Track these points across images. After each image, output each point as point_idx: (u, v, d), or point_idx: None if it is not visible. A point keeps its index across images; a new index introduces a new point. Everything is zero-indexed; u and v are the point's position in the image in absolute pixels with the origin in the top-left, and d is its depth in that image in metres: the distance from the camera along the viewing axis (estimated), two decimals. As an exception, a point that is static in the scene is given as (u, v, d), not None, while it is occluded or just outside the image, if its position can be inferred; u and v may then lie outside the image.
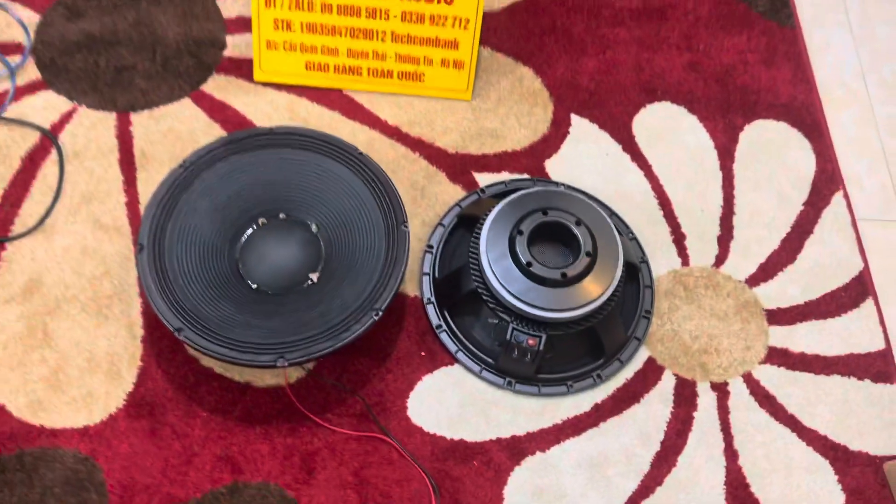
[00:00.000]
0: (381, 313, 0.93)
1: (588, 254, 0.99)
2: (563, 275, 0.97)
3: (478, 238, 1.01)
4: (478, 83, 1.25)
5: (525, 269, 0.98)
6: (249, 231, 1.02)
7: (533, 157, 1.20)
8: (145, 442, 0.98)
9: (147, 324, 1.04)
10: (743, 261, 1.15)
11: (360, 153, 1.03)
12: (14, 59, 1.20)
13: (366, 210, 1.00)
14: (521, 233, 1.00)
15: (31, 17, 1.24)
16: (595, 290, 0.98)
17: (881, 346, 1.11)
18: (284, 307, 0.97)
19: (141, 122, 1.17)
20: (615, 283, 0.99)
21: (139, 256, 0.94)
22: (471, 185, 1.17)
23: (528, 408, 1.04)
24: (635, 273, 1.10)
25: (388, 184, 1.01)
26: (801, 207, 1.20)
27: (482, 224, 1.02)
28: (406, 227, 0.99)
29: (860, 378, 1.08)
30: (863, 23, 1.39)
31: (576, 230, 1.00)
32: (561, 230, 1.01)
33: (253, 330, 0.93)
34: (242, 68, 1.23)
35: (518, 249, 0.98)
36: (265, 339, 0.92)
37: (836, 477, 1.02)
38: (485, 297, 1.00)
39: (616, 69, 1.29)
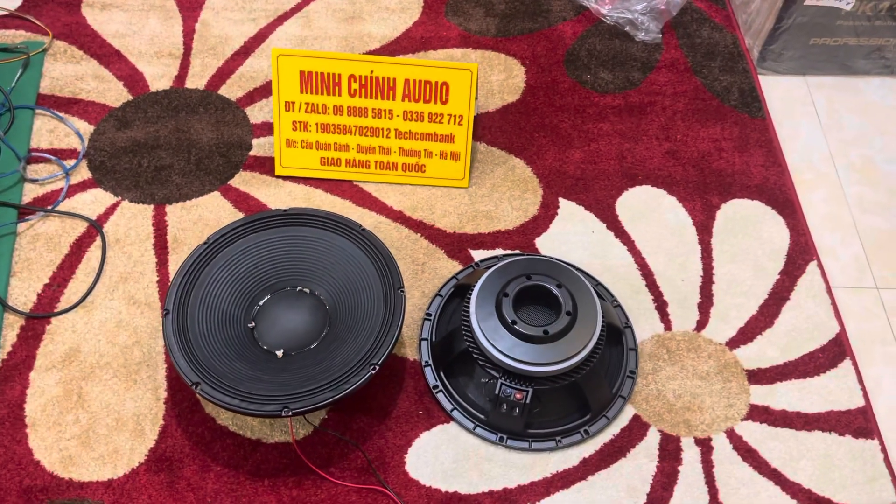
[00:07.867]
0: (377, 367, 1.03)
1: (568, 313, 1.08)
2: (546, 332, 1.06)
3: (468, 302, 1.11)
4: (474, 172, 1.39)
5: (510, 328, 1.07)
6: (263, 300, 1.14)
7: (524, 235, 1.32)
8: (163, 494, 1.06)
9: (170, 387, 1.15)
10: (723, 325, 1.23)
11: (363, 229, 1.15)
12: (69, 163, 1.38)
13: (367, 278, 1.12)
14: (506, 295, 1.10)
15: (87, 128, 1.44)
16: (576, 346, 1.06)
17: (860, 403, 1.15)
18: (292, 365, 1.07)
19: (174, 212, 1.33)
20: (594, 339, 1.07)
21: (165, 320, 1.06)
22: (467, 261, 1.28)
23: (519, 462, 1.10)
24: (619, 336, 1.18)
25: (387, 254, 1.13)
26: (777, 276, 1.28)
27: (472, 289, 1.12)
28: (402, 291, 1.09)
29: (841, 434, 1.13)
30: (830, 113, 1.52)
31: (556, 292, 1.10)
32: (543, 293, 1.11)
33: (262, 384, 1.03)
34: (265, 165, 1.39)
35: (504, 310, 1.08)
36: (272, 392, 1.01)
37: (822, 529, 1.05)
38: (475, 356, 1.09)
39: (600, 158, 1.42)
